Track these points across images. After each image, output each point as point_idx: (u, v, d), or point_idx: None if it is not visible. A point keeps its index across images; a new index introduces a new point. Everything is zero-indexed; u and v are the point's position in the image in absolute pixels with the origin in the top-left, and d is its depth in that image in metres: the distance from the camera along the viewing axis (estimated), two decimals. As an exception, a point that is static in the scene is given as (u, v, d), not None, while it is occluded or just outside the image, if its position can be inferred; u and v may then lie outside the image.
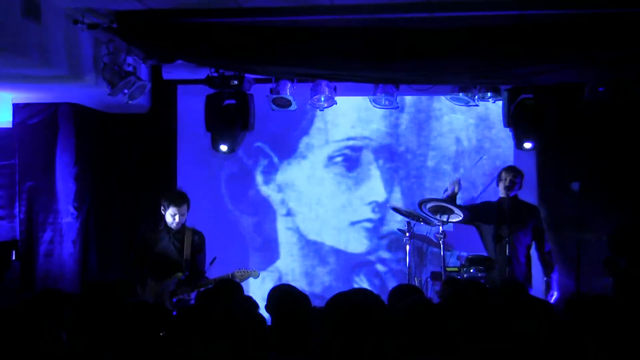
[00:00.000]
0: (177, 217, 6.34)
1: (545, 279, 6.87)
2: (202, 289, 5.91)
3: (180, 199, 6.37)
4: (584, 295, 4.54)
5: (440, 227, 6.70)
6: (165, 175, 8.13)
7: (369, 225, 8.01)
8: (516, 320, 3.84)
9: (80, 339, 3.86)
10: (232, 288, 4.93)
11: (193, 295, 6.19)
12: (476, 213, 6.88)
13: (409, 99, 7.90)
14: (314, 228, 8.08)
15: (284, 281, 7.89)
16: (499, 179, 6.87)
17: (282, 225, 8.13)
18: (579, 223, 6.75)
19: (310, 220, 8.08)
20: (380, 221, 7.98)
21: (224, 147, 7.50)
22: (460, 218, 6.76)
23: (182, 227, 6.44)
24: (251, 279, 6.65)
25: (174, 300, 6.27)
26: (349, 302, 3.57)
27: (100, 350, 3.50)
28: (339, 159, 8.10)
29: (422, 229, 7.12)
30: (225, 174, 8.18)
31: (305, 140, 8.13)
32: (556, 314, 4.05)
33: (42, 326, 3.32)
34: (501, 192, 6.83)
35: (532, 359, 3.40)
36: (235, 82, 7.18)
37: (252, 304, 4.41)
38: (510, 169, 6.88)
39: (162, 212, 6.39)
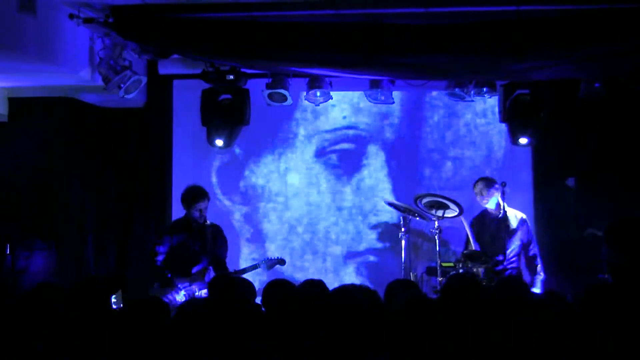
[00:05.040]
0: (202, 211, 6.58)
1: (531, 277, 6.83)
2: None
3: (203, 193, 6.62)
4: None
5: (436, 222, 6.71)
6: (161, 169, 8.12)
7: (361, 215, 8.00)
8: (519, 316, 3.80)
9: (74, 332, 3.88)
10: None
11: None
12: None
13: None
14: (306, 218, 8.03)
15: (276, 270, 7.90)
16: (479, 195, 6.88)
17: (274, 216, 8.10)
18: (575, 219, 6.76)
19: (302, 211, 8.03)
20: (373, 212, 7.95)
21: (219, 142, 7.50)
22: (456, 213, 6.77)
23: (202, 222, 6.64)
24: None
25: None
26: (346, 298, 3.57)
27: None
28: (331, 148, 8.07)
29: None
30: (217, 164, 8.12)
31: (297, 129, 8.10)
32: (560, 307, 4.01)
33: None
34: (485, 206, 6.87)
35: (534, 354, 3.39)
36: (231, 76, 7.16)
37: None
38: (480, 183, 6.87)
39: (187, 209, 6.59)
